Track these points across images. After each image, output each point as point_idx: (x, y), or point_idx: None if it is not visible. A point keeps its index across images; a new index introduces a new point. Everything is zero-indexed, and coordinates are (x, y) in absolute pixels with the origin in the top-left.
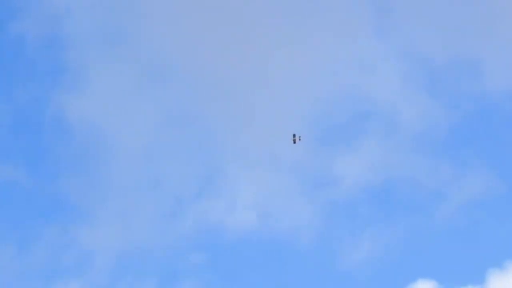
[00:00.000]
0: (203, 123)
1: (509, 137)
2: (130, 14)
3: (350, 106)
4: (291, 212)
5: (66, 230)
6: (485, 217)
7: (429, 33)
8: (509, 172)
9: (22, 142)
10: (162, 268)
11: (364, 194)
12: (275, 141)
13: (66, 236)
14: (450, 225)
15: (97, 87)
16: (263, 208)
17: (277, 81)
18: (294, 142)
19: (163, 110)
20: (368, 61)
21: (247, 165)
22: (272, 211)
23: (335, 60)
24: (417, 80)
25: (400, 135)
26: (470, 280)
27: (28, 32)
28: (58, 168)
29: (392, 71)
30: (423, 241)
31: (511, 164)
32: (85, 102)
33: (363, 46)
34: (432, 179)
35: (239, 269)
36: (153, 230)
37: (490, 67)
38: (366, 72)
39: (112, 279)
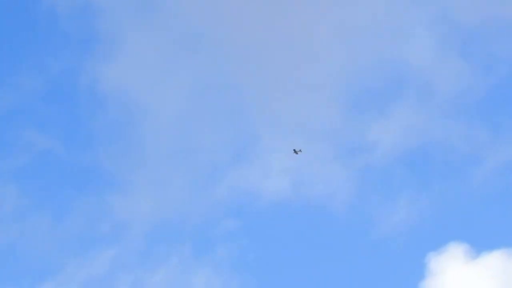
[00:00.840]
0: (237, 90)
1: None
2: None
3: (384, 71)
4: (325, 178)
5: (102, 198)
6: None
7: None
8: None
9: (57, 112)
10: (197, 235)
11: (398, 159)
12: (309, 108)
13: (102, 204)
14: (485, 189)
15: (130, 56)
16: (297, 174)
17: (311, 48)
18: (296, 153)
19: (197, 77)
20: (401, 26)
21: (281, 132)
22: (306, 177)
23: (368, 26)
24: (451, 44)
25: (434, 99)
26: (503, 243)
27: (60, 2)
28: (93, 137)
29: (426, 36)
30: (458, 205)
31: None
32: (118, 71)
33: (396, 11)
34: (467, 143)
35: (273, 235)
36: (187, 197)
37: None
38: (399, 37)
39: (147, 246)
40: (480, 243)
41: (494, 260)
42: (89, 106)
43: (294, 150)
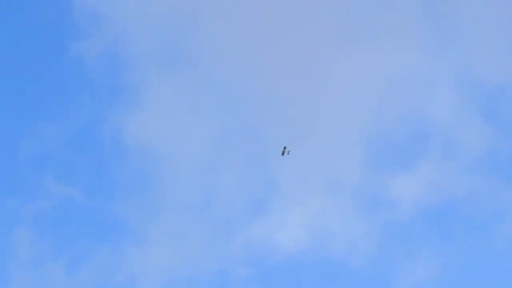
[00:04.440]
0: (258, 141)
1: None
2: (186, 33)
3: (407, 127)
4: (345, 232)
5: (118, 248)
6: None
7: (484, 55)
8: None
9: (79, 161)
10: (212, 286)
11: (420, 215)
12: (330, 161)
13: (118, 254)
14: (508, 247)
15: (153, 106)
16: (317, 227)
17: (335, 101)
18: (282, 154)
19: (217, 129)
20: (424, 82)
21: (300, 185)
22: (326, 230)
23: (392, 81)
24: (473, 102)
25: (458, 157)
26: None
27: (87, 52)
28: (114, 187)
29: (448, 92)
30: (479, 263)
31: None
32: (141, 120)
33: (419, 67)
34: (490, 201)
35: None
36: (203, 249)
37: None
38: (423, 93)
39: None
40: None
41: None
42: (112, 156)
43: (283, 151)
